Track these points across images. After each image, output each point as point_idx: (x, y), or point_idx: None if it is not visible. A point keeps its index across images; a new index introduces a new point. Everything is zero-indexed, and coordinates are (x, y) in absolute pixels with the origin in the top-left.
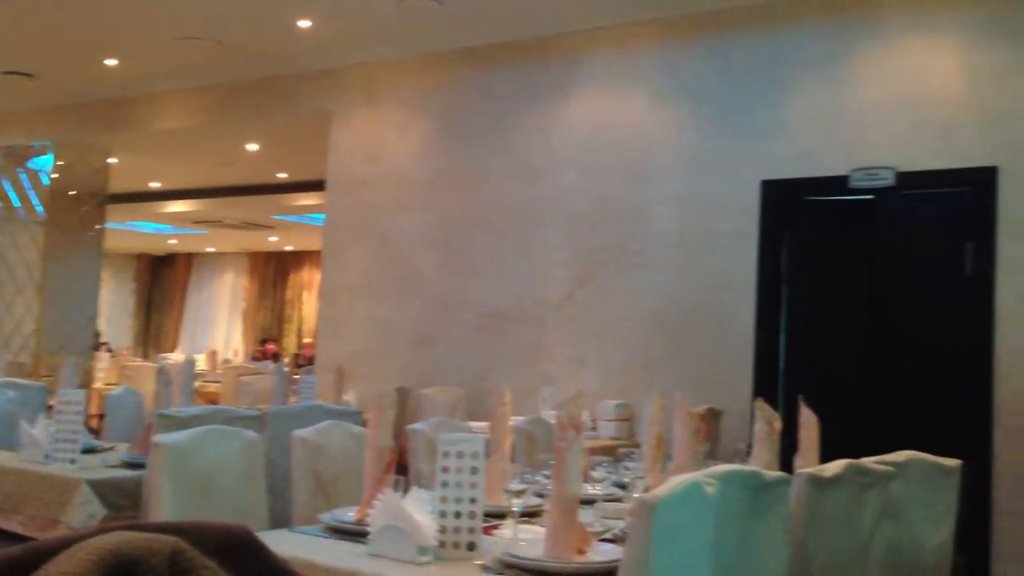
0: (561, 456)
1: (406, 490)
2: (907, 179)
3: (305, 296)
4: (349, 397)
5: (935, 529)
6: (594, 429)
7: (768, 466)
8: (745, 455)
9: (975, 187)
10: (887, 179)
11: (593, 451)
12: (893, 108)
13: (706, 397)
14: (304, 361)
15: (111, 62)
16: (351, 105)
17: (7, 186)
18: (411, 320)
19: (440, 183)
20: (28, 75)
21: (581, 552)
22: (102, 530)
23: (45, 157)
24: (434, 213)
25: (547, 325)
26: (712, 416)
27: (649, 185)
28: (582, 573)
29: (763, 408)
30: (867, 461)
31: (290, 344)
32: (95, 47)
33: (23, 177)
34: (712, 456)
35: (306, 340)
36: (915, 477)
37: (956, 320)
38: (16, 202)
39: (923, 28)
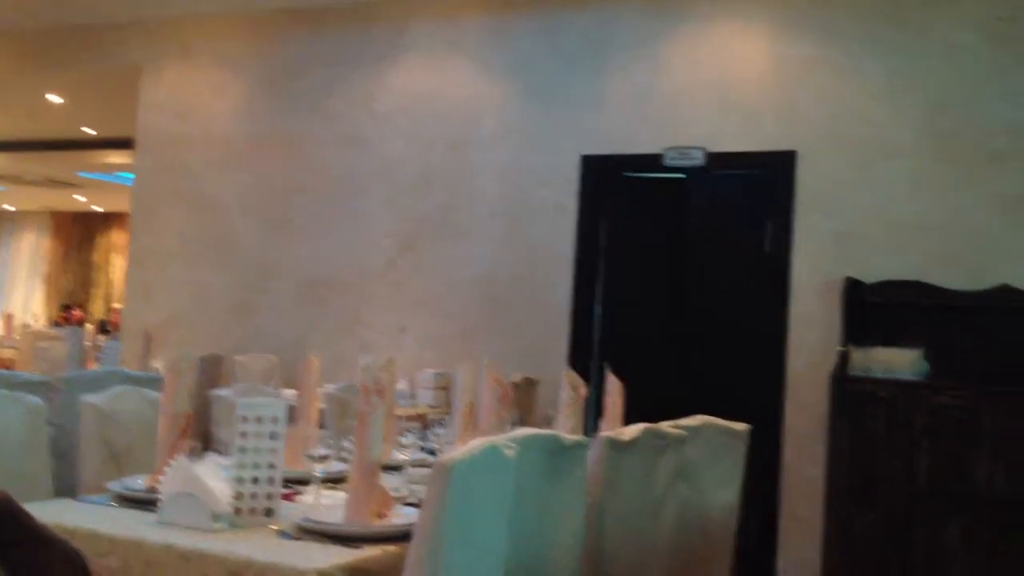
0: (364, 421)
1: (202, 456)
2: (716, 160)
3: (114, 259)
4: (159, 364)
5: (723, 489)
6: (413, 398)
7: (573, 431)
8: (555, 421)
9: (776, 170)
10: (698, 159)
11: (411, 419)
12: (703, 91)
13: (525, 366)
14: (112, 327)
15: None
16: (164, 59)
17: None
18: (227, 286)
19: (261, 146)
20: None
21: (382, 516)
22: None
23: None
24: (254, 177)
25: (369, 293)
26: (528, 385)
27: (473, 155)
28: (379, 536)
29: (570, 375)
30: (664, 425)
31: (97, 310)
32: None
33: None
34: (525, 423)
35: (116, 305)
36: (707, 440)
37: (756, 294)
38: None
39: (732, 16)
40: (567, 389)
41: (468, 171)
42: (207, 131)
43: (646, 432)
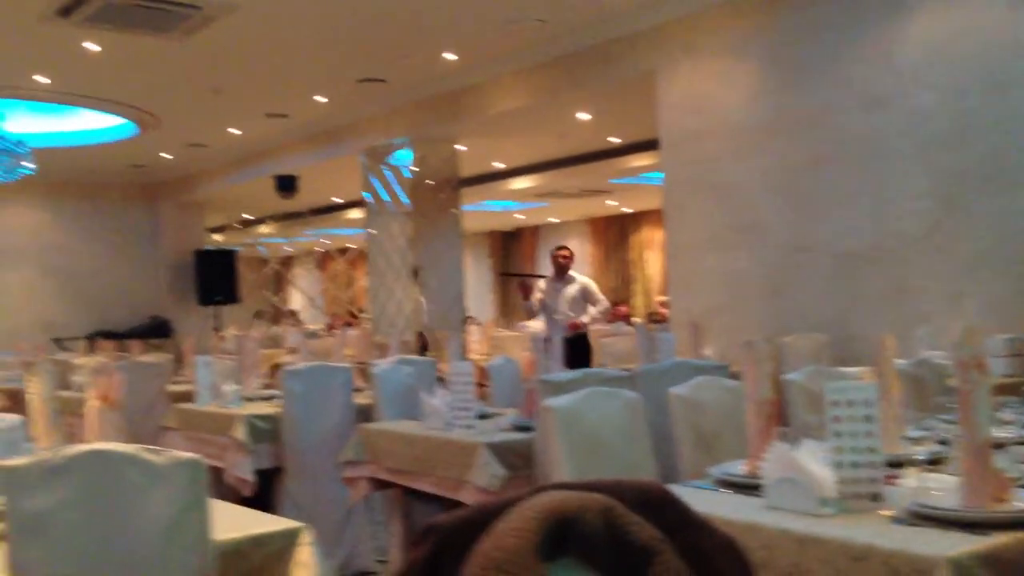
0: (966, 399)
1: (795, 442)
2: None
3: (647, 255)
4: (708, 352)
5: None
6: None
7: None
8: None
9: None
10: None
11: (996, 392)
12: None
13: None
14: (659, 319)
15: (450, 56)
16: (673, 60)
17: (376, 183)
18: (760, 269)
19: (774, 126)
20: (382, 80)
21: (1000, 500)
22: (535, 491)
23: (404, 152)
24: (771, 157)
25: (909, 261)
26: None
27: (1017, 94)
28: (1007, 522)
29: None
30: None
31: (638, 304)
32: (434, 44)
33: (388, 173)
34: None
35: (658, 298)
36: None
37: None
38: (385, 196)
39: None
40: None
41: (1013, 113)
42: (722, 120)
43: None
